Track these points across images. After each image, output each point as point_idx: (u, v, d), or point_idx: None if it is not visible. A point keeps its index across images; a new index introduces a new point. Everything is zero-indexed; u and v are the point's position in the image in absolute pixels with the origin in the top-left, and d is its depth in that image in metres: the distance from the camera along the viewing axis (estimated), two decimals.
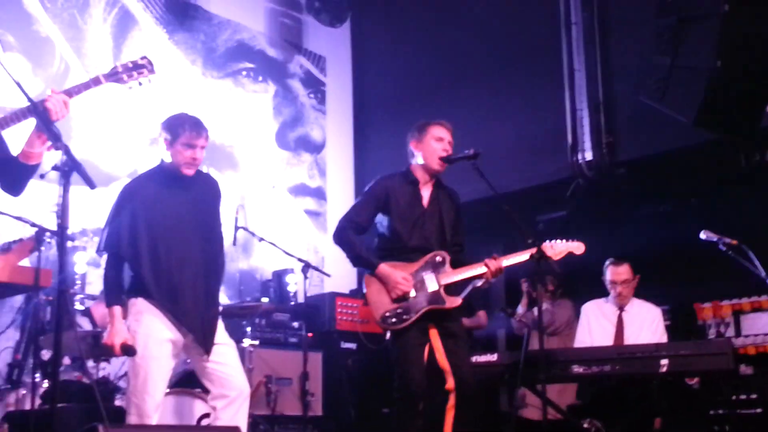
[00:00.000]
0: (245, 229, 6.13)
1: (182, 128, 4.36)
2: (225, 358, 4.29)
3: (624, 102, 7.31)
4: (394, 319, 4.69)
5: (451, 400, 4.60)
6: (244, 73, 8.77)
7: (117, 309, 4.20)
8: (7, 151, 3.50)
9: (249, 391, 4.35)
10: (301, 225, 8.82)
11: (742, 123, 5.83)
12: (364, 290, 4.86)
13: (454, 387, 4.60)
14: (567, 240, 4.96)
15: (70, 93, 3.45)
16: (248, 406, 4.33)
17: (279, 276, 7.61)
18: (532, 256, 4.68)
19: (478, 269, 4.73)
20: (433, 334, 4.71)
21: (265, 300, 6.96)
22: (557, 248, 4.89)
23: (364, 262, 4.88)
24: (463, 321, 5.27)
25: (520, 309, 7.04)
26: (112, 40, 7.78)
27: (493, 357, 5.66)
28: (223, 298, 6.90)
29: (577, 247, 4.95)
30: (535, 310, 6.41)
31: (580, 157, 7.50)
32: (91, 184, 3.12)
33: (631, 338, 5.93)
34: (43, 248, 4.74)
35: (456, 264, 4.79)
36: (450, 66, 8.33)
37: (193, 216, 4.42)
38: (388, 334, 4.77)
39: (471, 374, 4.70)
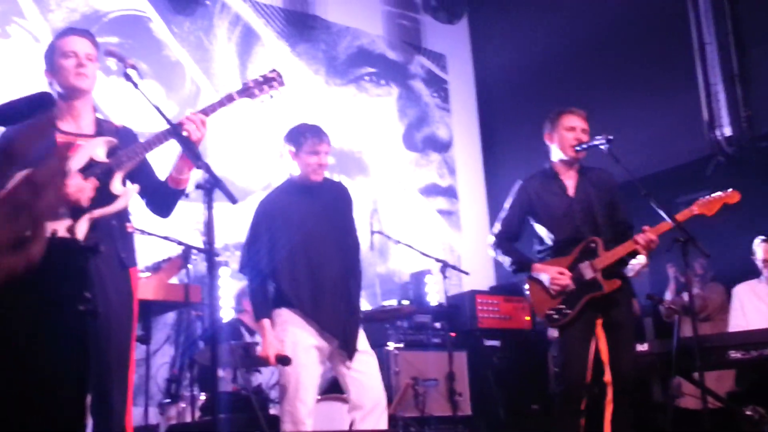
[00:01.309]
0: (381, 233, 6.19)
1: (304, 137, 4.45)
2: (365, 367, 4.33)
3: (761, 72, 7.11)
4: (556, 316, 4.67)
5: (609, 393, 4.54)
6: (366, 78, 8.87)
7: (266, 321, 4.30)
8: (154, 175, 3.62)
9: (386, 403, 4.38)
10: (435, 225, 8.84)
11: None
12: (529, 293, 4.85)
13: (611, 380, 4.55)
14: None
15: (206, 112, 3.55)
16: (386, 418, 4.34)
17: (417, 277, 7.67)
18: (676, 222, 4.54)
19: (629, 245, 4.62)
20: (599, 326, 4.66)
21: (405, 302, 7.00)
22: (710, 201, 4.71)
23: (520, 266, 4.87)
24: None
25: (668, 295, 6.86)
26: (237, 58, 8.00)
27: (643, 347, 5.54)
28: (364, 304, 6.99)
29: (731, 196, 4.73)
30: (685, 295, 6.28)
31: (718, 133, 7.34)
32: (233, 200, 3.19)
33: None
34: (190, 266, 4.93)
35: (610, 247, 4.69)
36: (573, 51, 8.21)
37: (327, 224, 4.49)
38: (555, 332, 4.74)
39: (630, 367, 4.64)
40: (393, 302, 6.93)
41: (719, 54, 7.42)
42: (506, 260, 4.99)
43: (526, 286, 4.88)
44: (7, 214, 1.45)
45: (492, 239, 4.97)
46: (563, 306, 4.65)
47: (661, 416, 5.73)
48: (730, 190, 4.76)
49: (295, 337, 4.26)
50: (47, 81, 3.56)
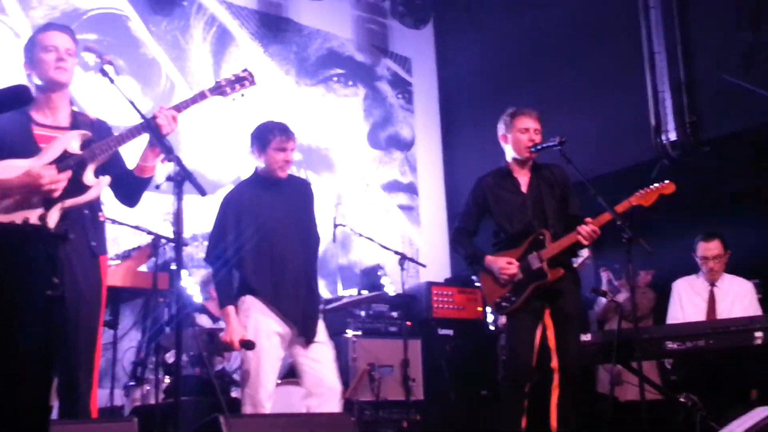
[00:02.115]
0: (343, 225, 6.20)
1: (272, 134, 4.46)
2: (321, 356, 4.36)
3: (706, 81, 7.18)
4: (504, 304, 4.71)
5: (556, 379, 4.60)
6: (335, 79, 8.86)
7: (231, 308, 4.31)
8: (124, 167, 3.60)
9: (340, 390, 4.40)
10: (396, 219, 8.87)
11: None
12: (481, 283, 4.90)
13: (558, 366, 4.60)
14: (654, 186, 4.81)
15: (178, 108, 3.55)
16: (340, 405, 4.36)
17: (376, 269, 7.68)
18: (616, 214, 4.58)
19: (573, 237, 4.65)
20: (547, 315, 4.70)
21: (364, 292, 7.02)
22: (647, 193, 4.74)
23: (473, 259, 4.91)
24: None
25: (603, 300, 6.89)
26: (212, 57, 7.97)
27: (587, 337, 5.61)
28: (324, 292, 7.02)
29: (666, 187, 4.77)
30: (620, 296, 6.41)
31: (663, 138, 7.40)
32: (202, 192, 3.20)
33: (723, 313, 5.80)
34: (158, 254, 4.91)
35: (558, 239, 4.72)
36: (531, 57, 8.27)
37: (290, 217, 4.50)
38: (502, 319, 4.78)
39: (575, 354, 4.70)
40: (353, 291, 6.96)
41: (667, 63, 7.48)
42: (462, 255, 5.06)
43: (474, 278, 4.93)
44: None
45: (451, 235, 5.03)
46: (511, 294, 4.71)
47: (603, 403, 5.80)
48: (666, 181, 4.81)
49: (257, 324, 4.28)
50: (26, 73, 3.53)
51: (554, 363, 4.61)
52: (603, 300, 6.80)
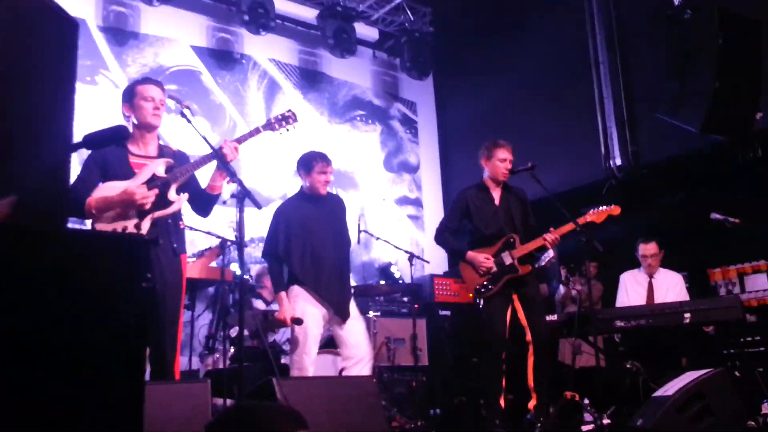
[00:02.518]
0: (366, 231, 6.20)
1: (315, 161, 4.48)
2: (355, 329, 4.37)
3: (644, 119, 7.18)
4: (483, 290, 4.69)
5: (531, 349, 4.58)
6: (358, 118, 8.87)
7: (283, 294, 4.32)
8: (198, 186, 3.62)
9: (371, 355, 4.42)
10: (405, 226, 8.85)
11: (737, 129, 5.65)
12: (462, 274, 4.87)
13: (532, 340, 4.58)
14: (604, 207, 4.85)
15: (239, 140, 3.57)
16: (371, 367, 4.38)
17: (390, 265, 7.70)
18: (577, 225, 4.62)
19: (539, 242, 4.68)
20: (515, 299, 4.68)
21: (382, 282, 7.01)
22: (598, 213, 4.78)
23: (457, 253, 4.91)
24: None
25: (561, 289, 6.86)
26: (264, 102, 8.00)
27: (553, 317, 5.60)
28: (353, 282, 7.03)
29: (614, 209, 4.81)
30: (573, 291, 6.37)
31: (611, 163, 7.39)
32: (258, 206, 3.21)
33: (659, 298, 5.79)
34: (225, 254, 4.92)
35: (524, 242, 4.75)
36: (510, 102, 8.27)
37: (327, 224, 4.51)
38: (481, 302, 4.76)
39: (545, 330, 4.70)
40: (373, 282, 6.98)
41: (613, 105, 7.48)
42: (446, 248, 5.05)
43: (460, 269, 4.89)
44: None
45: (437, 232, 4.99)
46: (488, 283, 4.68)
47: (565, 369, 5.76)
48: (613, 205, 4.84)
49: (303, 306, 4.29)
50: (124, 114, 3.55)
51: (528, 337, 4.60)
52: (562, 289, 6.77)
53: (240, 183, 3.25)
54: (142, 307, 1.47)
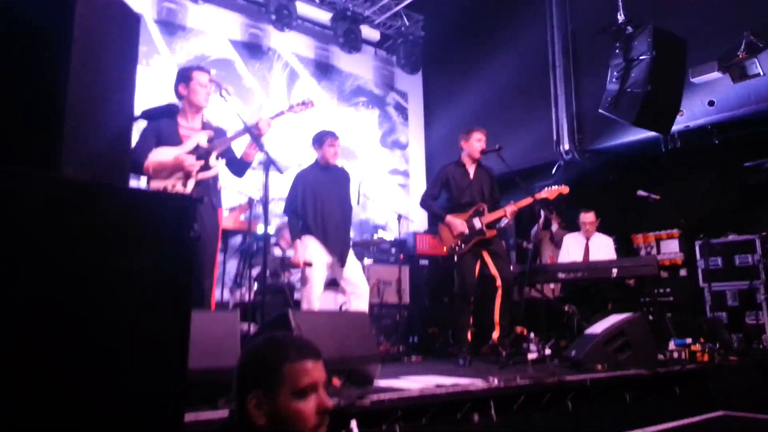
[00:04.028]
0: (364, 195, 6.17)
1: (326, 137, 4.43)
2: (354, 270, 4.36)
3: (589, 114, 7.14)
4: (456, 248, 4.69)
5: (499, 292, 4.59)
6: (360, 104, 8.77)
7: (298, 242, 4.30)
8: (234, 155, 3.57)
9: (368, 290, 4.43)
10: (396, 192, 8.82)
11: (662, 124, 5.63)
12: (439, 233, 4.86)
13: (501, 284, 4.60)
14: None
15: (271, 118, 3.52)
16: (368, 300, 4.39)
17: (381, 225, 7.70)
18: (534, 198, 4.62)
19: (501, 212, 4.68)
20: (485, 254, 4.68)
21: (376, 236, 7.01)
22: (551, 191, 4.77)
23: (437, 216, 4.88)
24: None
25: (535, 228, 6.79)
26: (286, 87, 7.88)
27: (513, 269, 5.61)
28: (354, 236, 7.03)
29: (563, 189, 4.79)
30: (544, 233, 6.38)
31: (561, 148, 7.38)
32: (281, 171, 3.18)
33: (593, 257, 5.82)
34: (252, 209, 4.89)
35: (492, 211, 4.73)
36: (483, 95, 8.18)
37: (334, 189, 4.47)
38: (456, 258, 4.76)
39: (511, 277, 4.70)
40: (368, 236, 6.98)
41: (565, 102, 7.45)
42: (429, 211, 5.03)
43: (439, 229, 4.88)
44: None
45: (422, 198, 4.96)
46: (461, 242, 4.68)
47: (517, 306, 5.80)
48: (564, 186, 4.84)
49: (313, 252, 4.27)
50: (178, 92, 3.44)
51: (498, 283, 4.60)
52: (534, 230, 6.71)
53: (267, 153, 3.21)
54: (189, 252, 1.46)
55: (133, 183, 3.62)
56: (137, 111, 3.09)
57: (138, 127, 3.35)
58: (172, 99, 3.49)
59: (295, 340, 1.42)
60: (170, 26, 6.95)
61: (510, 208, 4.63)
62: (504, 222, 5.14)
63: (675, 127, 5.87)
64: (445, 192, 4.92)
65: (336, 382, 2.77)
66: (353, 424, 2.24)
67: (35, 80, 1.40)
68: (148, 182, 3.24)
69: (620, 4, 5.73)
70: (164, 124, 3.35)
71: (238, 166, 3.59)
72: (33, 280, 1.19)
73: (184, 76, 3.47)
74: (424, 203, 4.92)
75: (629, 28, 5.57)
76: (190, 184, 3.23)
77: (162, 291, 1.38)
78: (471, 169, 4.88)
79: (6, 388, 1.15)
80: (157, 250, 1.34)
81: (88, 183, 1.27)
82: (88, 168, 1.45)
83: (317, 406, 1.35)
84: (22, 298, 1.17)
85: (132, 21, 1.74)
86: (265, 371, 1.35)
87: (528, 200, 4.64)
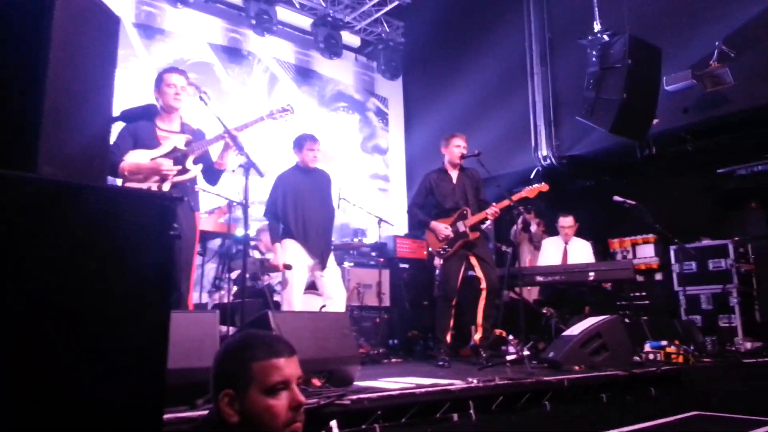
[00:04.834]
0: (344, 199, 6.18)
1: (305, 141, 4.44)
2: (332, 276, 4.36)
3: (566, 120, 7.25)
4: (442, 252, 4.71)
5: (483, 294, 4.62)
6: (341, 108, 8.81)
7: (277, 245, 4.30)
8: (210, 160, 3.54)
9: (346, 295, 4.43)
10: (376, 197, 8.85)
11: (637, 131, 5.74)
12: (426, 239, 4.88)
13: (486, 287, 4.63)
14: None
15: (245, 126, 3.51)
16: (345, 303, 4.39)
17: (361, 229, 7.71)
18: (512, 201, 4.67)
19: (483, 215, 4.71)
20: (472, 257, 4.71)
21: (356, 240, 7.01)
22: (531, 189, 4.81)
23: (423, 224, 4.90)
24: None
25: (518, 225, 6.83)
26: (266, 92, 7.88)
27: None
28: (334, 239, 7.00)
29: (543, 186, 4.83)
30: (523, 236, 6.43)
31: (539, 153, 7.47)
32: (261, 175, 3.18)
33: (572, 260, 5.89)
34: (231, 212, 4.86)
35: (474, 213, 4.76)
36: (463, 102, 8.27)
37: (315, 192, 4.47)
38: (439, 261, 4.78)
39: (496, 280, 4.73)
40: (348, 240, 6.97)
41: (543, 109, 7.55)
42: (415, 219, 5.06)
43: (426, 234, 4.90)
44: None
45: (408, 207, 5.00)
46: (447, 246, 4.71)
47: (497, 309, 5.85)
48: (543, 183, 4.89)
49: (293, 255, 4.27)
50: (155, 96, 3.46)
51: (483, 285, 4.63)
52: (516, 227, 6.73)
53: (247, 156, 3.21)
54: (170, 250, 1.46)
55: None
56: (115, 112, 3.08)
57: (116, 128, 3.34)
58: (151, 101, 3.47)
59: (266, 338, 1.44)
60: (149, 30, 6.91)
61: (491, 210, 4.68)
62: (487, 224, 5.19)
63: (650, 134, 5.99)
64: (431, 198, 4.95)
65: (316, 382, 2.77)
66: (333, 423, 2.26)
67: (12, 80, 1.40)
68: (123, 184, 3.22)
69: (596, 12, 5.84)
70: (142, 125, 3.34)
71: (212, 174, 3.57)
72: (12, 279, 1.19)
73: (157, 79, 3.48)
74: (411, 212, 4.96)
75: (605, 37, 5.68)
76: (166, 186, 3.22)
77: (142, 289, 1.39)
78: (453, 174, 4.92)
79: None
80: (138, 249, 1.35)
81: (66, 181, 1.28)
82: (65, 168, 1.45)
83: (289, 402, 1.36)
84: (4, 295, 1.17)
85: (111, 23, 1.74)
86: (235, 370, 1.37)
87: (508, 201, 4.69)
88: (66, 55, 1.43)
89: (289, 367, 1.39)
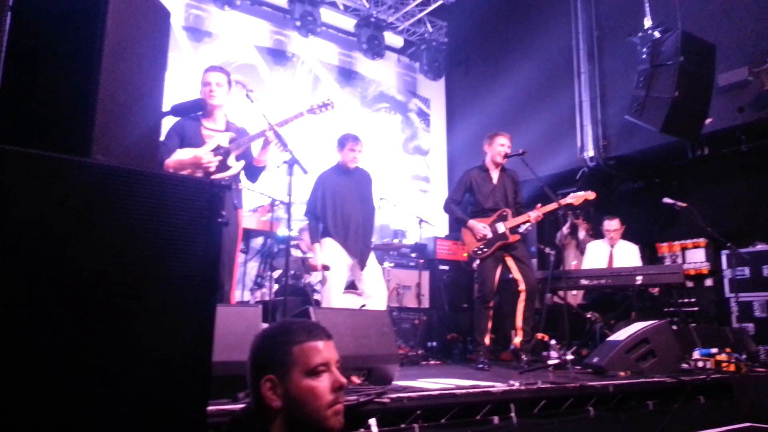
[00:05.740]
0: (384, 199, 6.18)
1: (347, 140, 4.46)
2: (373, 274, 4.37)
3: (614, 120, 7.09)
4: (479, 252, 4.66)
5: (522, 296, 4.55)
6: (383, 109, 8.83)
7: (317, 245, 4.33)
8: (251, 158, 3.57)
9: (386, 294, 4.43)
10: (417, 197, 8.82)
11: (689, 130, 5.56)
12: (462, 237, 4.84)
13: (525, 289, 4.57)
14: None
15: (287, 121, 3.55)
16: (386, 302, 4.40)
17: (401, 231, 7.71)
18: (560, 204, 4.58)
19: (526, 217, 4.64)
20: (509, 259, 4.65)
21: (396, 241, 7.02)
22: (578, 197, 4.72)
23: (460, 221, 4.86)
24: None
25: (565, 230, 6.59)
26: (310, 92, 7.97)
27: (537, 274, 5.56)
28: (374, 239, 7.02)
29: (589, 194, 4.73)
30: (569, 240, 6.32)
31: (585, 154, 7.32)
32: (305, 171, 3.21)
33: (617, 264, 5.75)
34: (274, 210, 4.93)
35: (516, 215, 4.71)
36: (506, 102, 8.18)
37: (355, 192, 4.49)
38: (477, 262, 4.73)
39: (535, 281, 4.66)
40: (389, 240, 6.98)
41: (590, 108, 7.40)
42: (452, 216, 5.00)
43: (462, 233, 4.86)
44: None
45: (445, 202, 4.95)
46: (484, 246, 4.65)
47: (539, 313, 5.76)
48: (590, 191, 4.79)
49: (333, 255, 4.30)
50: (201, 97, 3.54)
51: (521, 287, 4.57)
52: (565, 230, 6.61)
53: (291, 153, 3.25)
54: (219, 237, 1.47)
55: None
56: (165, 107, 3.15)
57: (164, 126, 3.42)
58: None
59: (304, 323, 1.45)
60: (197, 32, 7.08)
61: (534, 213, 4.60)
62: (527, 227, 5.11)
63: (702, 133, 5.79)
64: (469, 197, 4.90)
65: (355, 379, 2.77)
66: (372, 422, 2.25)
67: (68, 71, 1.44)
68: None
69: (647, 8, 5.68)
70: (188, 124, 3.42)
71: (252, 171, 3.60)
72: (65, 264, 1.22)
73: (202, 80, 3.54)
74: (448, 208, 4.91)
75: (656, 33, 5.52)
76: None
77: (192, 277, 1.40)
78: (494, 174, 4.86)
79: (33, 372, 1.18)
80: (188, 236, 1.37)
81: (119, 167, 1.31)
82: (118, 157, 1.49)
83: (331, 383, 1.37)
84: (56, 282, 1.20)
85: (163, 17, 1.78)
86: (275, 355, 1.38)
87: (553, 205, 4.60)
88: (120, 48, 1.47)
89: (327, 350, 1.40)
